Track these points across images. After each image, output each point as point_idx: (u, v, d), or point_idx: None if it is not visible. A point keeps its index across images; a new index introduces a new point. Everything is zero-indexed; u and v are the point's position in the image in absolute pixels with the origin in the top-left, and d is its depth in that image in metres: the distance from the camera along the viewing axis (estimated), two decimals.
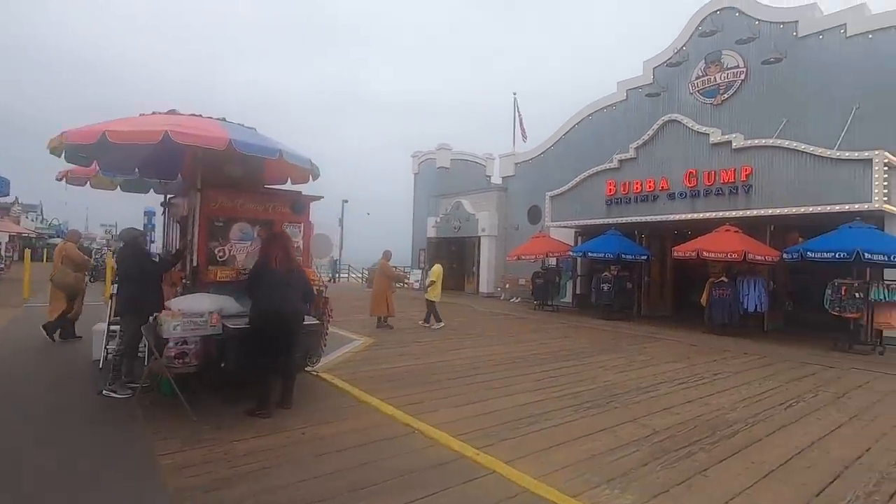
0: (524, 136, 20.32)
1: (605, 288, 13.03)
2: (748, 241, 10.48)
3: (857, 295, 8.90)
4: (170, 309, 4.50)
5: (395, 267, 22.25)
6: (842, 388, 6.44)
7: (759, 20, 12.97)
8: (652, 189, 12.69)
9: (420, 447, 3.94)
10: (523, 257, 15.07)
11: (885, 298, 8.77)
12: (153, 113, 4.68)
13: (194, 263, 4.95)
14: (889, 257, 8.26)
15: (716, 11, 13.85)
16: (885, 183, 9.07)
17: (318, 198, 5.72)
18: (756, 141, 10.94)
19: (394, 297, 10.78)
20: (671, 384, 6.35)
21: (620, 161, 13.54)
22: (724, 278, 10.74)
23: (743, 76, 13.26)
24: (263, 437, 3.98)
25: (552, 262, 15.95)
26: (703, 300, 11.23)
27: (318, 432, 4.15)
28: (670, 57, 14.56)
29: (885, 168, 9.12)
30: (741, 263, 10.33)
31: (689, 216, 11.90)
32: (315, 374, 5.86)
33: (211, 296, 4.76)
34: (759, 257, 9.98)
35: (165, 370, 4.38)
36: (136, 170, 5.32)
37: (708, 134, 11.66)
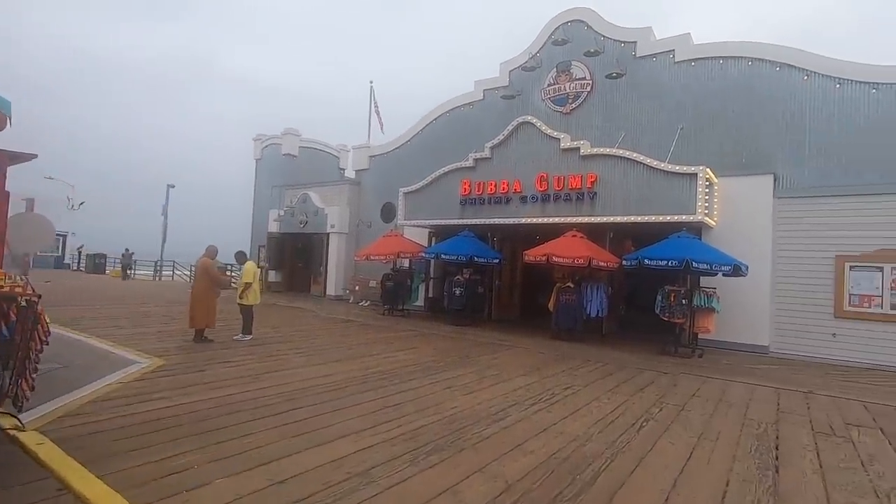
0: (381, 127, 19.06)
1: (458, 292, 12.36)
2: (592, 247, 10.61)
3: (683, 301, 9.38)
4: None
5: (226, 267, 19.28)
6: (680, 399, 6.35)
7: (604, 36, 13.55)
8: (505, 191, 12.37)
9: None
10: (373, 257, 13.76)
11: (704, 304, 9.38)
12: None
13: None
14: (711, 266, 8.79)
15: (567, 22, 14.20)
16: (706, 197, 9.77)
17: (27, 156, 3.64)
18: (601, 149, 11.20)
19: (217, 303, 8.64)
20: (523, 407, 5.57)
21: (476, 160, 13.04)
22: (570, 284, 10.73)
23: (589, 88, 13.74)
24: None
25: (404, 263, 14.94)
26: (551, 305, 11.15)
27: None
28: (525, 61, 14.59)
29: (706, 183, 9.84)
30: (586, 269, 10.37)
31: (540, 220, 11.80)
32: (13, 431, 3.71)
33: None
34: (602, 263, 10.10)
35: None
36: None
37: (559, 139, 11.67)
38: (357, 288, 17.42)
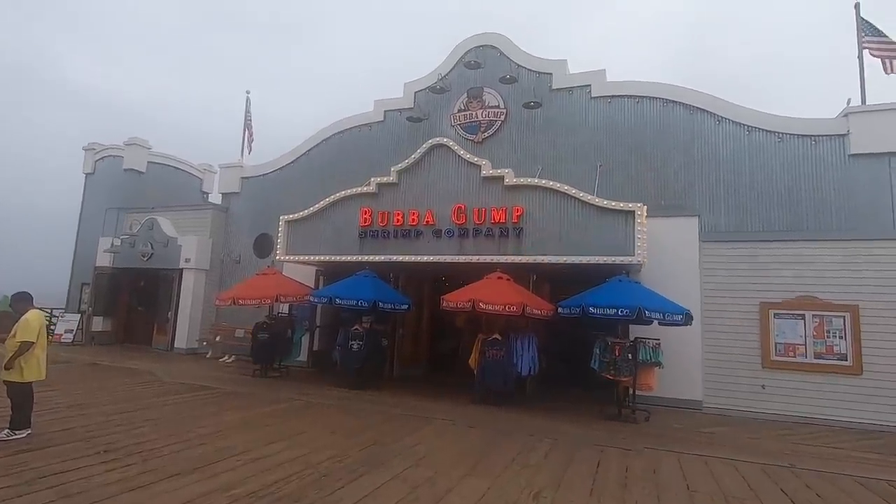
0: (250, 144, 16.02)
1: (355, 346, 9.83)
2: (523, 292, 9.03)
3: (629, 356, 8.09)
4: None
5: (50, 316, 14.29)
6: (652, 496, 4.70)
7: (518, 65, 12.67)
8: (415, 223, 10.40)
9: None
10: (242, 301, 10.61)
11: (650, 359, 8.20)
12: None
13: None
14: (664, 315, 7.65)
15: (479, 47, 13.13)
16: (645, 237, 8.81)
17: None
18: (528, 180, 9.86)
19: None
20: None
21: (379, 185, 10.93)
22: (496, 336, 8.93)
23: (503, 117, 12.66)
24: None
25: (284, 308, 11.99)
26: (473, 362, 9.22)
27: None
28: (434, 82, 13.12)
29: (643, 222, 8.91)
30: (519, 318, 8.68)
31: (458, 258, 9.97)
32: None
33: None
34: (536, 311, 8.50)
35: None
36: None
37: (479, 166, 10.13)
38: (218, 339, 13.78)
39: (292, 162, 15.14)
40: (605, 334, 8.80)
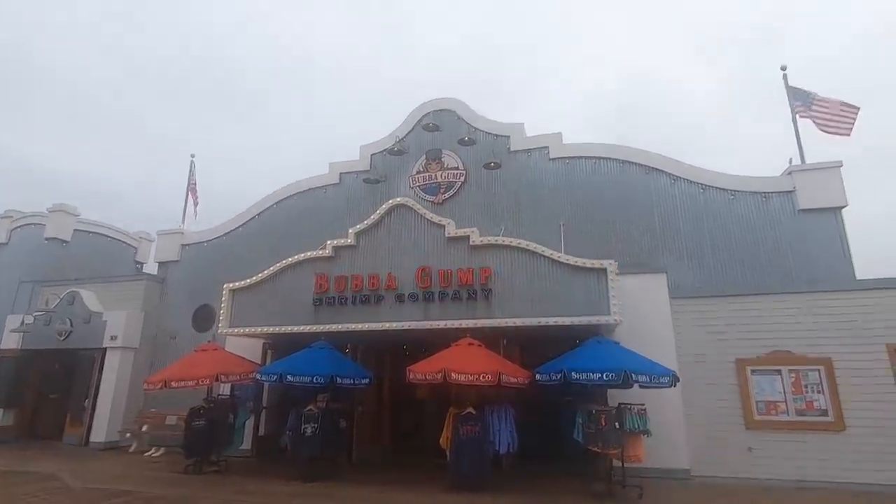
0: (195, 207, 15.01)
1: (309, 430, 8.59)
2: (496, 359, 8.31)
3: (616, 425, 7.43)
4: None
5: None
6: None
7: (475, 128, 12.75)
8: (376, 287, 9.64)
9: None
10: (176, 384, 9.19)
11: (637, 427, 7.56)
12: None
13: None
14: (651, 378, 7.13)
15: (437, 111, 13.19)
16: (618, 295, 8.47)
17: None
18: (495, 238, 9.46)
19: None
20: None
21: (336, 248, 10.20)
22: (471, 409, 8.05)
23: (463, 178, 12.51)
24: None
25: (225, 389, 10.59)
26: (445, 441, 8.22)
27: None
28: (392, 145, 12.90)
29: (616, 279, 8.60)
30: (493, 389, 7.90)
31: (424, 325, 9.21)
32: None
33: None
34: (513, 380, 7.77)
35: None
36: None
37: (444, 226, 9.68)
38: (145, 428, 11.92)
39: (240, 227, 14.19)
40: (582, 401, 8.18)
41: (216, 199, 17.98)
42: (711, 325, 9.60)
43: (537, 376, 7.92)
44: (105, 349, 12.89)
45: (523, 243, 9.18)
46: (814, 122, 10.77)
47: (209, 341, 10.58)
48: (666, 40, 56.06)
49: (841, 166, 10.05)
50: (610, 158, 11.62)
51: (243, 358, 10.33)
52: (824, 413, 8.69)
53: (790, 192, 10.31)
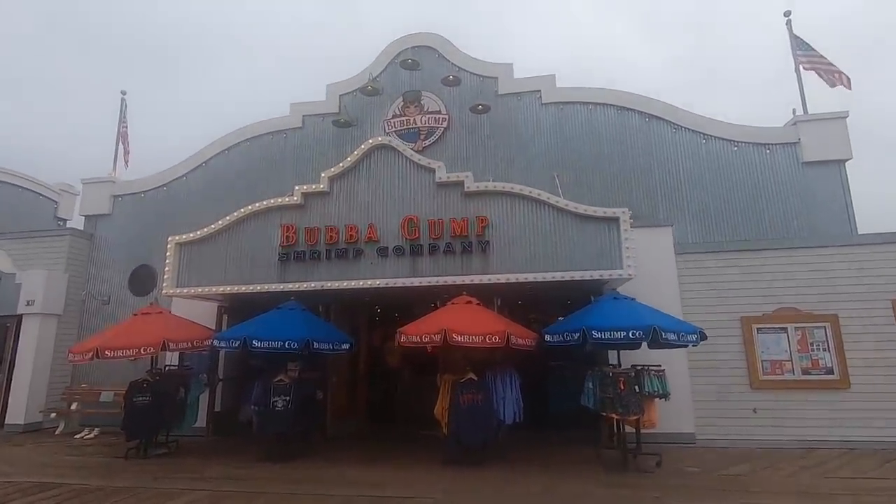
0: (126, 157, 12.91)
1: (280, 404, 7.34)
2: (501, 319, 7.33)
3: (635, 388, 6.68)
4: None
5: None
6: None
7: (459, 68, 11.41)
8: (354, 240, 8.35)
9: None
10: (110, 353, 7.56)
11: (657, 390, 6.86)
12: None
13: None
14: (679, 336, 6.37)
15: (414, 47, 11.70)
16: (633, 246, 7.64)
17: None
18: (493, 184, 8.34)
19: None
20: None
21: (306, 195, 8.76)
22: (472, 376, 7.05)
23: (446, 124, 11.23)
24: None
25: (174, 359, 9.08)
26: (440, 411, 7.22)
27: None
28: (365, 83, 11.33)
29: (630, 229, 7.74)
30: (502, 350, 6.91)
31: (412, 281, 8.05)
32: None
33: None
34: (522, 341, 6.81)
35: None
36: None
37: (433, 170, 8.44)
38: (74, 407, 10.19)
39: (184, 176, 12.30)
40: (575, 366, 7.46)
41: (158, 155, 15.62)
42: (717, 282, 9.02)
43: (547, 337, 7.01)
44: (21, 316, 10.88)
45: (525, 189, 8.13)
46: (816, 72, 10.25)
47: (152, 304, 8.94)
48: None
49: (847, 116, 9.62)
50: (607, 104, 10.70)
51: (195, 322, 8.81)
52: (830, 371, 8.39)
53: (794, 143, 9.81)
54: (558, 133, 10.81)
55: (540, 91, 11.03)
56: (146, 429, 7.66)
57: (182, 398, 8.20)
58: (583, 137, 10.67)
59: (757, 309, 8.81)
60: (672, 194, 10.02)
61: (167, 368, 8.72)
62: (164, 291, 9.04)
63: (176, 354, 8.99)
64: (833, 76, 10.04)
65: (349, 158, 8.80)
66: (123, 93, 13.30)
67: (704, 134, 10.16)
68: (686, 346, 6.67)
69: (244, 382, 9.39)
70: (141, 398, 7.69)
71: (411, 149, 10.89)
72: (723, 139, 10.08)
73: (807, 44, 10.41)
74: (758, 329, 8.73)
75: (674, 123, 10.32)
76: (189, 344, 8.10)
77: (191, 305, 9.71)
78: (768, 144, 9.92)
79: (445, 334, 6.49)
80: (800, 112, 9.98)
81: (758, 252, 8.99)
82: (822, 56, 10.26)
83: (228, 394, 9.90)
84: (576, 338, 6.50)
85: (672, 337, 6.26)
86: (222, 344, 7.55)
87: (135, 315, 8.50)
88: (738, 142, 10.03)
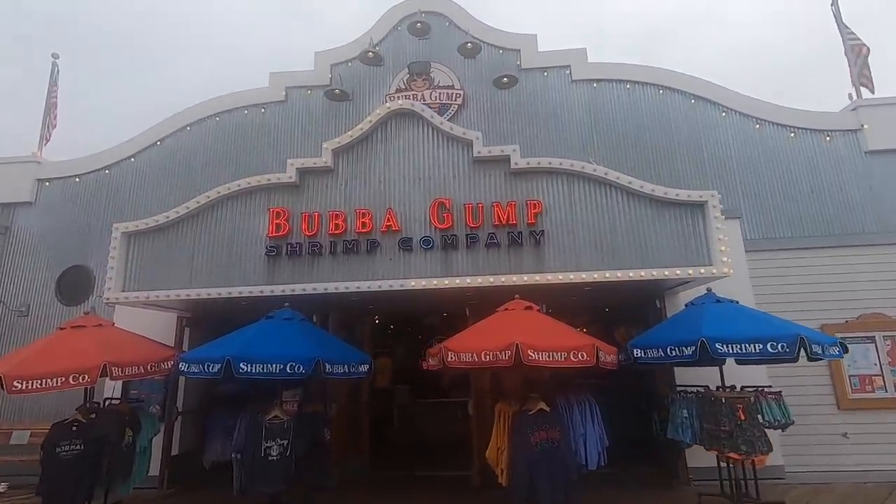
0: (50, 130, 10.42)
1: (276, 451, 5.26)
2: (577, 331, 5.63)
3: (757, 417, 5.14)
4: None
5: None
6: None
7: (475, 38, 9.78)
8: (367, 229, 6.47)
9: None
10: (20, 386, 5.21)
11: (777, 420, 5.36)
12: None
13: None
14: (823, 348, 4.88)
15: (420, 13, 9.98)
16: (725, 238, 6.18)
17: None
18: (547, 161, 6.68)
19: None
20: None
21: (302, 172, 6.80)
22: (542, 406, 5.26)
23: (460, 100, 9.54)
24: None
25: (115, 390, 6.80)
26: (494, 455, 5.38)
27: None
28: (365, 49, 9.47)
29: (720, 216, 6.29)
30: (575, 370, 5.18)
31: (447, 282, 6.24)
32: None
33: None
34: (609, 358, 5.13)
35: None
36: None
37: (471, 141, 6.71)
38: None
39: (132, 156, 9.93)
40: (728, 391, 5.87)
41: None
42: (790, 284, 7.78)
43: (637, 352, 5.37)
44: None
45: (588, 167, 6.54)
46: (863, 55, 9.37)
47: (87, 313, 6.60)
48: None
49: None
50: (647, 83, 9.35)
51: (147, 338, 6.57)
52: None
53: (856, 130, 8.78)
54: (590, 114, 9.36)
55: (569, 66, 9.56)
56: (74, 494, 5.33)
57: (129, 444, 5.92)
58: (619, 119, 9.26)
59: (837, 315, 7.60)
60: (725, 183, 8.72)
61: (108, 403, 6.40)
62: (105, 297, 6.75)
63: (119, 384, 6.69)
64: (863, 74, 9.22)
65: (359, 126, 6.93)
66: (55, 56, 10.79)
67: (757, 118, 8.99)
68: (822, 360, 5.22)
69: (209, 413, 7.23)
70: (67, 448, 5.38)
71: None
72: (779, 124, 8.94)
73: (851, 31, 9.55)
74: (841, 339, 7.47)
75: (723, 106, 9.09)
76: (140, 368, 5.86)
77: (140, 316, 7.42)
78: (828, 131, 8.84)
79: (519, 350, 4.71)
80: (855, 98, 9.01)
81: (835, 249, 7.83)
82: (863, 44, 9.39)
83: (190, 431, 7.63)
84: (689, 352, 4.88)
85: (817, 349, 4.77)
86: (193, 369, 5.36)
87: (62, 329, 6.15)
88: (794, 128, 8.90)
